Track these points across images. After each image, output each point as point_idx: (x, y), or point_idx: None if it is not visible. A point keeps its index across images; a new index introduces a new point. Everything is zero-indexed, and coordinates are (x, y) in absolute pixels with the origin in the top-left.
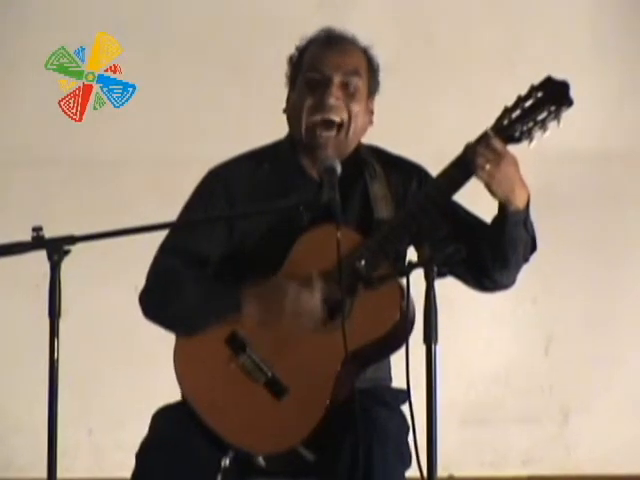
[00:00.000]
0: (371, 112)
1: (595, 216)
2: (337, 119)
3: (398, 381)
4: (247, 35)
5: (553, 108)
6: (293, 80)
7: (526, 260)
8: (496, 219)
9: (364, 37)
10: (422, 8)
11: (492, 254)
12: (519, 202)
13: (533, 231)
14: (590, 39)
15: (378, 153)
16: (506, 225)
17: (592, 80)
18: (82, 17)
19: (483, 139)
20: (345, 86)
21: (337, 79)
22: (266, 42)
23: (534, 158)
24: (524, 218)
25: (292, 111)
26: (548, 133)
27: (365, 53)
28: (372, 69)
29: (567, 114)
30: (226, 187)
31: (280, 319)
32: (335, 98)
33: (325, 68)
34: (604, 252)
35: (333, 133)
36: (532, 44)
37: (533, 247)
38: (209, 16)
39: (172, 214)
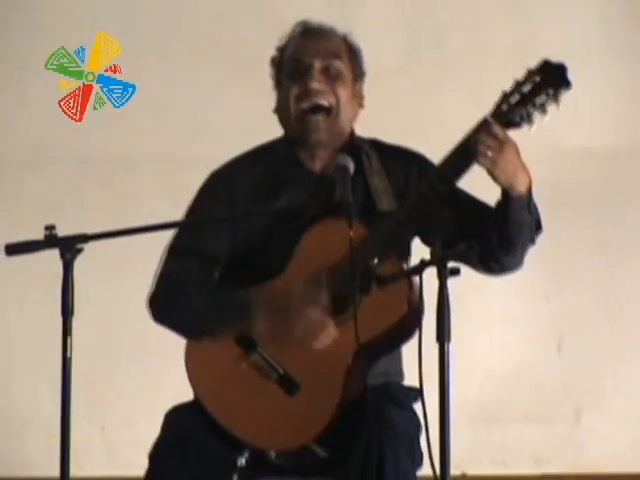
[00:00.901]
0: (360, 96)
1: (607, 214)
2: (325, 103)
3: (410, 379)
4: (252, 34)
5: (551, 91)
6: (278, 79)
7: (532, 242)
8: (499, 204)
9: (373, 36)
10: (431, 8)
11: (497, 238)
12: (521, 187)
13: (537, 213)
14: (601, 38)
15: (376, 144)
16: (510, 210)
17: (603, 78)
18: (82, 17)
19: (484, 126)
20: (326, 69)
21: (317, 64)
22: (271, 41)
23: (546, 156)
24: (527, 201)
25: (281, 107)
26: (548, 117)
27: (345, 39)
28: (354, 53)
29: (576, 112)
30: (228, 187)
31: (290, 322)
32: (318, 82)
33: (304, 56)
34: (616, 250)
35: (322, 116)
36: (542, 44)
37: (538, 228)
38: (211, 15)
39: (181, 213)
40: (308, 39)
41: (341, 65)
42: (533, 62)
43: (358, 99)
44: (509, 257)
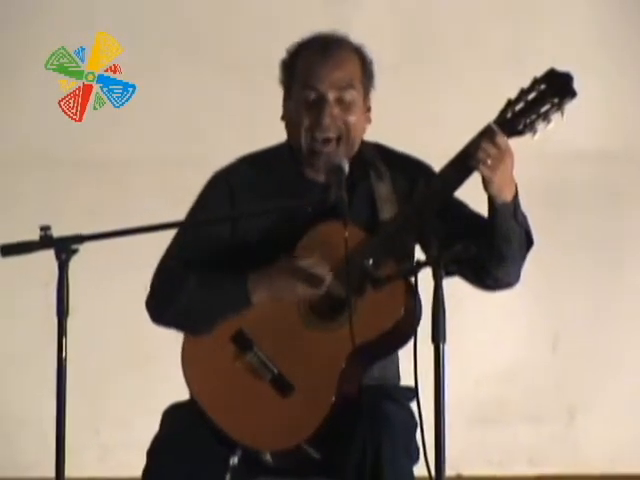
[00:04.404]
0: (368, 109)
1: (599, 214)
2: (334, 135)
3: (406, 380)
4: (250, 34)
5: (556, 100)
6: (288, 87)
7: (523, 257)
8: (488, 215)
9: (369, 36)
10: (427, 7)
11: (488, 251)
12: (507, 196)
13: (527, 224)
14: (594, 39)
15: (383, 152)
16: (496, 219)
17: (596, 79)
18: (82, 17)
19: (487, 134)
20: (341, 100)
21: (332, 96)
22: (270, 41)
23: (538, 158)
24: (513, 210)
25: (290, 124)
26: (552, 125)
27: (357, 53)
28: (366, 69)
29: (570, 114)
30: (229, 192)
31: (286, 299)
32: (331, 117)
33: (320, 85)
34: (608, 250)
35: (332, 147)
36: (536, 44)
37: (530, 242)
38: (211, 15)
39: (178, 214)
40: (324, 62)
41: (354, 94)
42: (527, 62)
43: (367, 115)
44: (501, 270)
